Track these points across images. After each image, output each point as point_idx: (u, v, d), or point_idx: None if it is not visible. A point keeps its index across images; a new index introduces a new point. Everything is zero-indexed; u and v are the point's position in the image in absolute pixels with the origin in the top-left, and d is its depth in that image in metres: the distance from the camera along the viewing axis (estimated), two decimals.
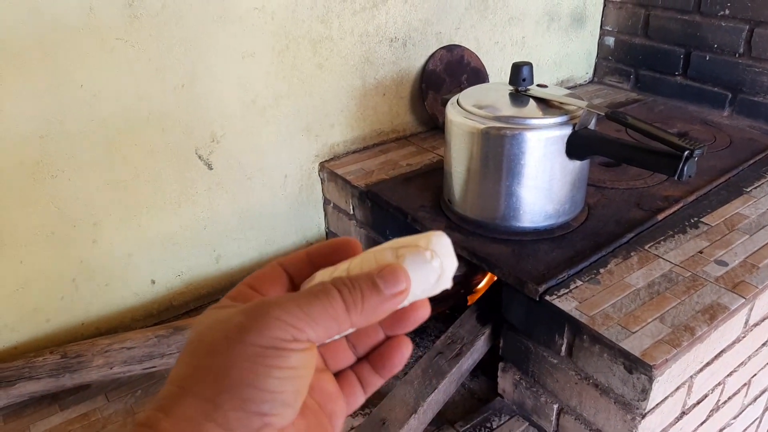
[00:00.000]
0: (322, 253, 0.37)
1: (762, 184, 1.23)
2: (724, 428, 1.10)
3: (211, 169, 1.23)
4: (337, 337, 0.33)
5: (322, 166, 1.39)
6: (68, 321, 1.20)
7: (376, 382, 0.37)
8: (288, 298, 0.31)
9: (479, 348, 1.07)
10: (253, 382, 0.30)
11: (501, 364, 1.07)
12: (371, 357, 0.37)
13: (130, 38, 1.05)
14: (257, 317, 0.30)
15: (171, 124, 1.15)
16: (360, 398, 0.37)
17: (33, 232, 1.09)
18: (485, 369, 1.15)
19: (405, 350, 0.36)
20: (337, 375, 0.37)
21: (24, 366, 1.09)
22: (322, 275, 0.35)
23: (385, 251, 0.34)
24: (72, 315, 1.20)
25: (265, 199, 1.35)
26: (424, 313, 0.35)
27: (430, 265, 0.33)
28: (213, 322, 0.32)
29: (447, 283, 0.34)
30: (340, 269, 0.35)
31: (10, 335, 1.14)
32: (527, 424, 1.05)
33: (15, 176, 1.03)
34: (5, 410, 1.10)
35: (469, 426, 1.05)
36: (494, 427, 1.05)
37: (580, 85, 1.89)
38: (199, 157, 1.21)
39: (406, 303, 0.34)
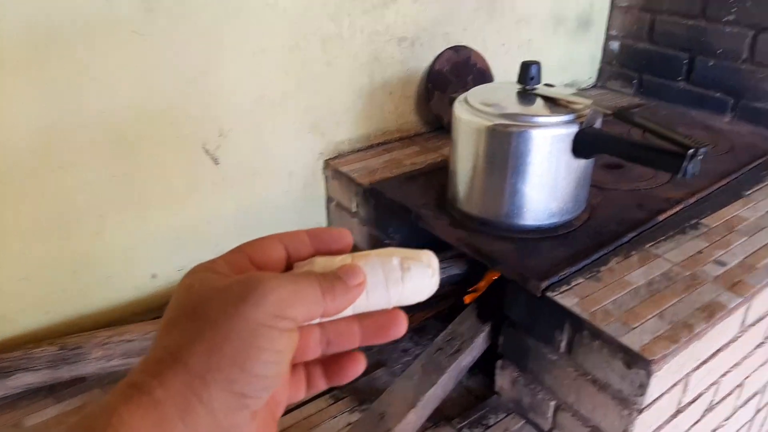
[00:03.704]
0: (320, 237, 0.40)
1: (761, 187, 1.24)
2: (716, 429, 1.10)
3: (217, 164, 1.24)
4: (314, 322, 0.36)
5: (327, 163, 1.40)
6: (67, 313, 1.19)
7: (320, 386, 0.39)
8: (277, 276, 0.34)
9: (478, 345, 1.08)
10: (242, 364, 0.31)
11: (499, 362, 1.07)
12: (325, 363, 0.39)
13: (145, 31, 1.06)
14: (252, 289, 0.32)
15: (180, 117, 1.16)
16: (300, 395, 0.39)
17: (37, 223, 1.09)
18: (483, 367, 1.15)
19: (359, 365, 0.39)
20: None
21: (22, 357, 1.08)
22: (323, 264, 0.38)
23: (392, 258, 0.38)
24: (71, 307, 1.19)
25: (270, 195, 1.35)
26: (402, 329, 0.39)
27: (431, 280, 0.39)
28: (211, 289, 0.34)
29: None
30: (338, 261, 0.38)
31: (9, 326, 1.14)
32: (524, 421, 1.05)
33: (22, 166, 1.04)
34: (1, 401, 1.09)
35: (466, 423, 1.06)
36: (491, 424, 1.05)
37: (584, 89, 1.90)
38: (206, 152, 1.22)
39: (391, 305, 0.38)
